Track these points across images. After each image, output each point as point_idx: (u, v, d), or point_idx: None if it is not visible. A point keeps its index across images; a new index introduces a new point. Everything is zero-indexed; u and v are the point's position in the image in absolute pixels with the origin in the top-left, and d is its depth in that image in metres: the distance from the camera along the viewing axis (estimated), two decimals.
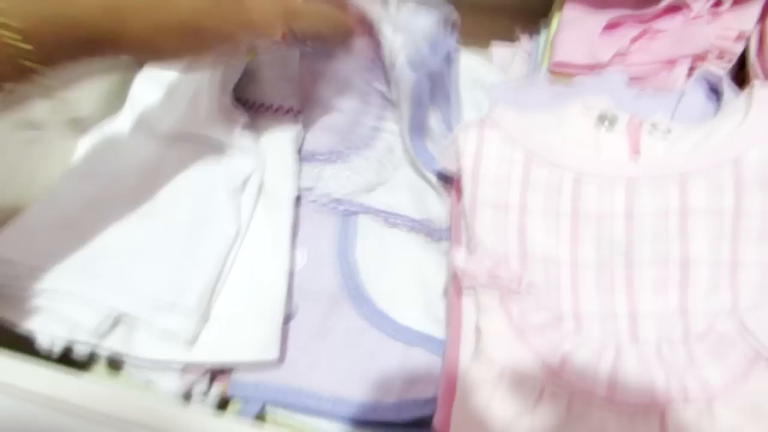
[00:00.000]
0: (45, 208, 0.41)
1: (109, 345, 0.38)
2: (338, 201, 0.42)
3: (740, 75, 0.46)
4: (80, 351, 0.39)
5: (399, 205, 0.42)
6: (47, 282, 0.38)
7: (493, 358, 0.31)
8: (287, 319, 0.38)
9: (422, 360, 0.36)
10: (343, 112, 0.46)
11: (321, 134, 0.45)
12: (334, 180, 0.43)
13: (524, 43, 0.50)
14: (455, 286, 0.34)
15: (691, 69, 0.43)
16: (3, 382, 0.29)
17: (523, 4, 0.56)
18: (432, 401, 0.34)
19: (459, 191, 0.37)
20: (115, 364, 0.42)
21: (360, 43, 0.42)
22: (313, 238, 0.42)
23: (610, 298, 0.32)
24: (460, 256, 0.33)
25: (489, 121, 0.36)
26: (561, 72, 0.44)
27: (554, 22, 0.47)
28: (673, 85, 0.41)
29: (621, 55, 0.43)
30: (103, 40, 0.29)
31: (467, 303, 0.33)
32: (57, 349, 0.38)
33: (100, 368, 0.43)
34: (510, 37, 0.53)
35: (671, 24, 0.43)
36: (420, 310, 0.39)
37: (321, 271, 0.40)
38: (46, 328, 0.38)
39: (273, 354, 0.36)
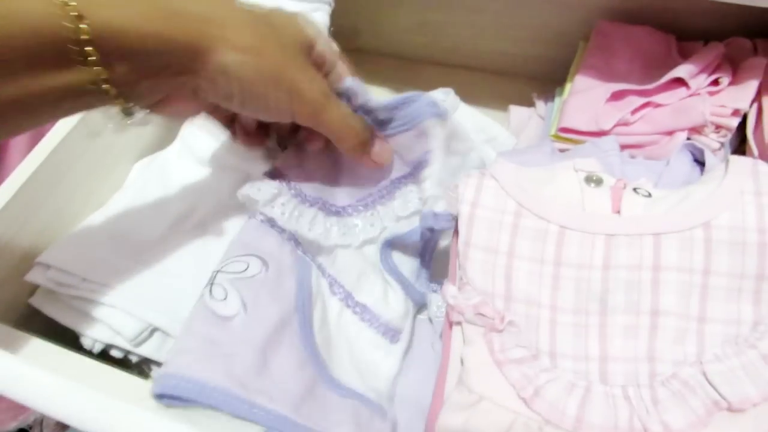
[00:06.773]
0: (98, 224, 0.48)
1: (143, 352, 0.43)
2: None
3: (741, 148, 0.49)
4: (116, 354, 0.44)
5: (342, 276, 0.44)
6: (94, 292, 0.43)
7: (473, 386, 0.34)
8: None
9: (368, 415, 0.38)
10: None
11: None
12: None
13: (540, 107, 0.55)
14: (448, 317, 0.38)
15: (689, 140, 0.46)
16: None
17: (541, 72, 0.61)
18: None
19: (457, 233, 0.41)
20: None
21: None
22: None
23: (583, 341, 0.35)
24: (451, 292, 0.37)
25: (488, 172, 0.40)
26: (566, 137, 0.49)
27: (566, 90, 0.52)
28: (670, 155, 0.45)
29: (623, 124, 0.47)
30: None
31: (456, 334, 0.37)
32: (96, 350, 0.43)
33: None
34: (528, 102, 0.58)
35: (672, 98, 0.47)
36: (355, 377, 0.41)
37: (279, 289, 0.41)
38: (89, 331, 0.43)
39: None
